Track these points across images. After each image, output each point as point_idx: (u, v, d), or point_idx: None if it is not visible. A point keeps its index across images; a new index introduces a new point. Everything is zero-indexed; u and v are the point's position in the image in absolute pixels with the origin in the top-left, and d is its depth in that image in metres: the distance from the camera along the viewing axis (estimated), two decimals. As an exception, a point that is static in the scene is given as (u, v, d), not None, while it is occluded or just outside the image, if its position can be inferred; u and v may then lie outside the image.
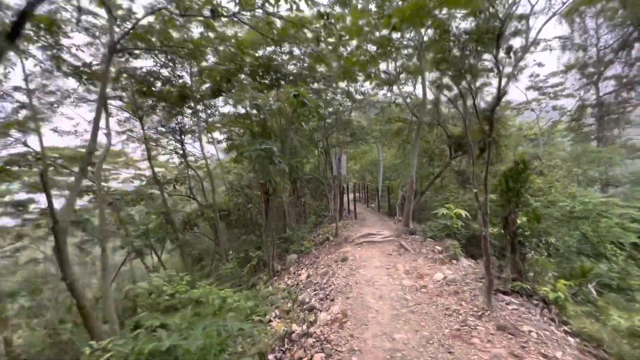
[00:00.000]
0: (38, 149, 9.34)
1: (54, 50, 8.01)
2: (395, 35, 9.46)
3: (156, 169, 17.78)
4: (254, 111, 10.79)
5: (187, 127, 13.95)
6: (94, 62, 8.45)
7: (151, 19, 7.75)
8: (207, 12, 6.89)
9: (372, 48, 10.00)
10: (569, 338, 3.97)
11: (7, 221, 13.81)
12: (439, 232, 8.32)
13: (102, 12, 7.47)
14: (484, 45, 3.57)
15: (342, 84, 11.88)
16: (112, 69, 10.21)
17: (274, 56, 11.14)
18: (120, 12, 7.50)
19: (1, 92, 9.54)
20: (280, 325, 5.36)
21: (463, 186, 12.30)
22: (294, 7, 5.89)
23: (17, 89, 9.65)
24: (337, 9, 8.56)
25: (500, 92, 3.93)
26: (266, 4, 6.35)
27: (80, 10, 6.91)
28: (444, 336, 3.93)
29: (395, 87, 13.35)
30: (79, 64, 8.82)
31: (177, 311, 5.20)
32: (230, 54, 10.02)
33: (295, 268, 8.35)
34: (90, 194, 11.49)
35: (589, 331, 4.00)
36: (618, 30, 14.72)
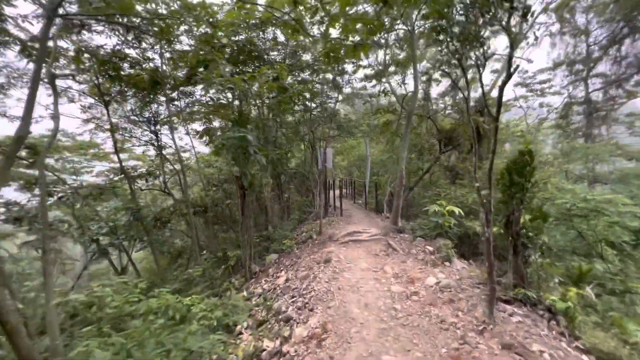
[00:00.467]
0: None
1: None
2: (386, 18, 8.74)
3: (132, 162, 16.53)
4: (236, 102, 9.88)
5: (162, 117, 12.80)
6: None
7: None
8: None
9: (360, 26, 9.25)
10: (584, 357, 3.41)
11: None
12: (430, 231, 7.75)
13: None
14: (498, 3, 2.91)
15: (329, 75, 11.06)
16: (70, 45, 9.11)
17: (256, 41, 10.19)
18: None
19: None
20: (251, 340, 4.64)
21: (453, 182, 11.81)
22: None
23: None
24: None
25: (511, 66, 3.31)
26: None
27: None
28: (440, 358, 3.30)
29: (384, 79, 12.72)
30: (27, 38, 7.68)
31: (132, 319, 4.44)
32: (207, 36, 9.04)
33: (275, 270, 7.61)
34: (35, 186, 10.24)
35: (605, 348, 3.46)
36: (608, 26, 14.51)
